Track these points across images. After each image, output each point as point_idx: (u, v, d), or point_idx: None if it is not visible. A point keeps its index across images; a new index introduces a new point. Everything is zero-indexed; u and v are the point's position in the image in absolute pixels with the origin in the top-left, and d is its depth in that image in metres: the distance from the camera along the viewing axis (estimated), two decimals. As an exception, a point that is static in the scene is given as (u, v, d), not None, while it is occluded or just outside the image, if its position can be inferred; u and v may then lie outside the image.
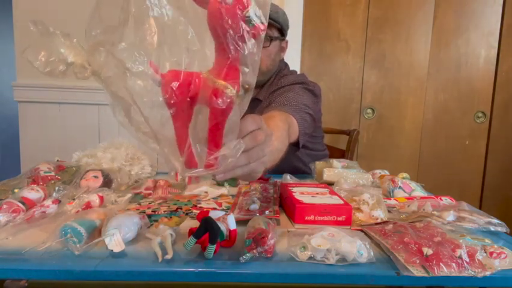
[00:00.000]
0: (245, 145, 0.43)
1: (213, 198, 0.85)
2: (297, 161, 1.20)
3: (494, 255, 0.54)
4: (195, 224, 0.63)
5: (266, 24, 0.38)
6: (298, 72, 1.26)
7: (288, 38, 1.22)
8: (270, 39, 1.11)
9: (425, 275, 0.49)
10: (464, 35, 2.03)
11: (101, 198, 0.73)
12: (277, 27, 1.12)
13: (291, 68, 1.27)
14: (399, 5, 2.02)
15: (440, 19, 2.03)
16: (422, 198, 0.83)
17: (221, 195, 0.88)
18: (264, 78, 1.18)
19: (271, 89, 1.16)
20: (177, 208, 0.75)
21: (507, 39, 2.03)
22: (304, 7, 1.89)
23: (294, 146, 0.99)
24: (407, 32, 2.03)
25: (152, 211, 0.72)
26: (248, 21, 0.37)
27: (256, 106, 1.19)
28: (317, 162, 1.08)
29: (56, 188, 0.74)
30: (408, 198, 0.84)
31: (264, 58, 1.13)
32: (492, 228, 0.67)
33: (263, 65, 1.14)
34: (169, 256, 0.51)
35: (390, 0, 2.02)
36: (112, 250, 0.52)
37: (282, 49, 1.22)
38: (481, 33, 2.03)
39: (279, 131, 0.77)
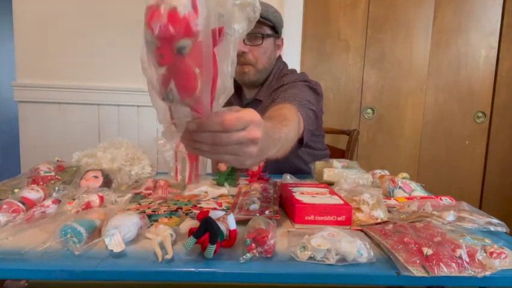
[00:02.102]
0: (204, 139, 0.45)
1: (213, 198, 0.85)
2: (298, 160, 1.20)
3: (494, 255, 0.54)
4: (195, 224, 0.63)
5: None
6: (298, 72, 1.26)
7: (288, 38, 1.22)
8: (261, 36, 1.12)
9: (425, 275, 0.49)
10: (464, 35, 2.03)
11: (101, 198, 0.73)
12: (269, 24, 1.12)
13: (291, 67, 1.27)
14: (399, 4, 2.02)
15: (440, 19, 2.02)
16: (422, 198, 0.83)
17: (221, 195, 0.88)
18: (261, 76, 1.17)
19: (271, 88, 1.16)
20: (177, 208, 0.75)
21: (507, 39, 2.03)
22: (304, 7, 1.89)
23: (298, 142, 0.99)
24: (407, 32, 2.03)
25: (152, 211, 0.72)
26: (147, 42, 0.37)
27: (256, 106, 1.18)
28: (317, 162, 1.08)
29: (56, 188, 0.74)
30: (408, 198, 0.84)
31: (259, 56, 1.13)
32: (492, 228, 0.67)
33: (259, 63, 1.14)
34: (169, 256, 0.52)
35: (390, 0, 2.02)
36: (112, 250, 0.52)
37: (278, 47, 1.22)
38: (481, 33, 2.03)
39: (294, 120, 0.77)
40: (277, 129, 0.61)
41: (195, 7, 0.36)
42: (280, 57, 1.25)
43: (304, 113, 0.97)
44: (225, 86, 0.45)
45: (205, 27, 0.38)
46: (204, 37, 0.38)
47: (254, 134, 0.48)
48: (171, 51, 0.36)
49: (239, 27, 0.43)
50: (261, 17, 1.08)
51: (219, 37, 0.43)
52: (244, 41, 1.10)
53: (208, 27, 0.39)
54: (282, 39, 1.22)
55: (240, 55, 1.11)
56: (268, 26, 1.13)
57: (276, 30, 1.16)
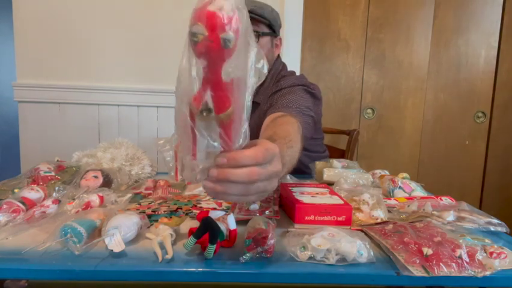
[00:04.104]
0: (238, 177, 0.43)
1: (213, 198, 0.85)
2: (296, 163, 1.19)
3: (494, 255, 0.54)
4: (195, 224, 0.63)
5: (221, 44, 0.39)
6: (298, 73, 1.25)
7: (288, 38, 1.21)
8: (257, 34, 1.09)
9: (425, 275, 0.49)
10: (464, 35, 2.03)
11: (101, 198, 0.73)
12: (265, 23, 1.11)
13: (292, 68, 1.26)
14: (399, 5, 2.02)
15: (440, 19, 2.03)
16: (422, 198, 0.83)
17: (221, 195, 0.87)
18: None
19: (269, 90, 1.14)
20: (177, 208, 0.75)
21: (507, 39, 2.03)
22: (304, 7, 1.89)
23: None
24: (407, 32, 2.03)
25: (152, 211, 0.72)
26: (193, 35, 0.39)
27: (254, 109, 1.18)
28: (317, 162, 1.08)
29: (56, 188, 0.74)
30: (408, 198, 0.84)
31: None
32: (492, 228, 0.67)
33: None
34: (169, 256, 0.52)
35: (390, 0, 2.02)
36: (112, 250, 0.52)
37: (276, 46, 1.20)
38: (481, 33, 2.03)
39: (298, 140, 0.75)
40: (283, 153, 0.59)
41: (236, 14, 0.40)
42: (279, 57, 1.23)
43: (302, 120, 0.96)
44: (242, 128, 0.45)
45: (241, 37, 0.41)
46: (239, 46, 0.40)
47: (278, 166, 0.46)
48: (218, 39, 0.39)
49: (250, 81, 0.46)
50: (256, 14, 1.07)
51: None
52: None
53: (243, 40, 0.41)
54: (280, 39, 1.21)
55: None
56: (264, 24, 1.11)
57: (273, 29, 1.14)
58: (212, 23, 0.38)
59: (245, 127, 0.45)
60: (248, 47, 0.43)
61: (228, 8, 0.39)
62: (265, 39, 1.13)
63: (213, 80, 0.41)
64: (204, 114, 0.42)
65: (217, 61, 0.40)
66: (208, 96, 0.42)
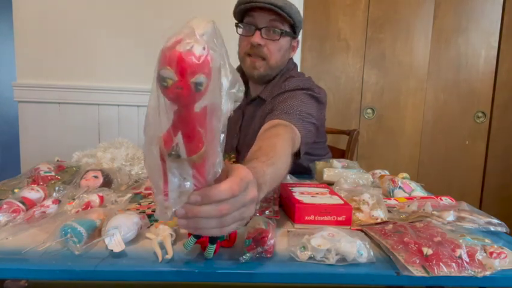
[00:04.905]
0: (207, 214, 0.42)
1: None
2: (297, 167, 1.18)
3: (494, 255, 0.54)
4: (195, 224, 0.62)
5: (191, 89, 0.37)
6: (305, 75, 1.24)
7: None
8: (280, 32, 1.09)
9: (425, 275, 0.49)
10: (464, 34, 2.03)
11: (101, 198, 0.73)
12: (290, 22, 1.10)
13: None
14: (399, 5, 2.02)
15: (440, 19, 2.03)
16: (422, 198, 0.83)
17: (221, 195, 0.87)
18: (271, 73, 1.15)
19: (275, 90, 1.13)
20: (177, 208, 0.75)
21: (507, 39, 2.03)
22: (304, 7, 1.89)
23: (294, 155, 0.98)
24: (407, 32, 2.03)
25: (152, 211, 0.72)
26: (162, 79, 0.37)
27: (259, 105, 1.17)
28: (317, 162, 1.08)
29: (56, 188, 0.74)
30: (408, 198, 0.84)
31: (274, 51, 1.10)
32: (492, 228, 0.67)
33: (271, 58, 1.11)
34: (169, 256, 0.52)
35: (390, 0, 2.02)
36: (112, 250, 0.52)
37: (293, 48, 1.19)
38: (481, 33, 2.03)
39: (285, 155, 0.74)
40: (261, 173, 0.58)
41: (208, 54, 0.37)
42: (291, 58, 1.23)
43: (303, 128, 0.96)
44: (216, 161, 0.43)
45: (214, 75, 0.38)
46: (212, 84, 0.38)
47: (254, 193, 0.47)
48: (188, 85, 0.37)
49: (226, 107, 0.43)
50: (284, 12, 1.06)
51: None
52: (261, 34, 1.08)
53: (216, 78, 0.39)
54: (298, 41, 1.20)
55: (255, 47, 1.08)
56: (289, 23, 1.10)
57: (294, 30, 1.14)
58: (181, 67, 0.35)
59: (220, 158, 0.43)
60: (223, 75, 0.41)
61: (198, 47, 0.36)
62: (285, 39, 1.12)
63: (184, 122, 0.39)
64: (174, 158, 0.41)
65: (188, 105, 0.38)
66: (179, 139, 0.40)
